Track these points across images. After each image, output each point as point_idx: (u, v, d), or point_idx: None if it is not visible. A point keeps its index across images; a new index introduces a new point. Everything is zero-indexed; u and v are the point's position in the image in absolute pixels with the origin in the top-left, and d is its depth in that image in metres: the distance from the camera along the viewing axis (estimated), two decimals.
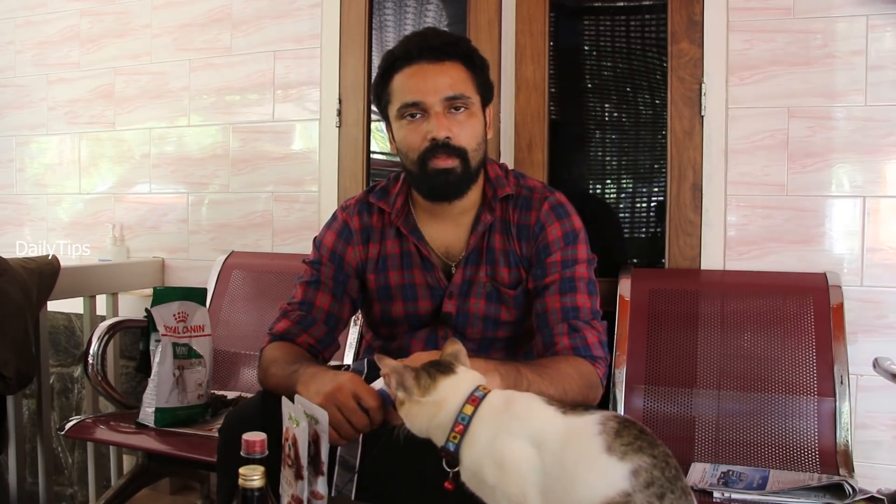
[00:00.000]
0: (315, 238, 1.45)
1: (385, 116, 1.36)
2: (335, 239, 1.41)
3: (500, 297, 1.37)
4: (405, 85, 1.29)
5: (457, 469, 0.90)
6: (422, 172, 1.30)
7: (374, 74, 2.26)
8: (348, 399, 1.06)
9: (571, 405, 0.91)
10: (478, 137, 1.31)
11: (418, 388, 0.92)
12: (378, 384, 1.08)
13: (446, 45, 1.29)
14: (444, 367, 0.95)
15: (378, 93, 1.35)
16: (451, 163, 1.28)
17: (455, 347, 1.00)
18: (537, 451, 0.84)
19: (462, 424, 0.89)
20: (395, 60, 1.30)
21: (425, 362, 0.96)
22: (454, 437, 0.89)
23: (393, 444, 0.99)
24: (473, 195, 1.36)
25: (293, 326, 1.36)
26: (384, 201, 1.40)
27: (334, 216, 1.45)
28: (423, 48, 1.28)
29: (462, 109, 1.29)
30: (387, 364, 0.96)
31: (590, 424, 0.84)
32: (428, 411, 0.92)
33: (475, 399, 0.91)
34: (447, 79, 1.27)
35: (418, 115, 1.28)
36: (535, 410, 0.90)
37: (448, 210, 1.35)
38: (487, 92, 1.35)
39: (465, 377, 0.94)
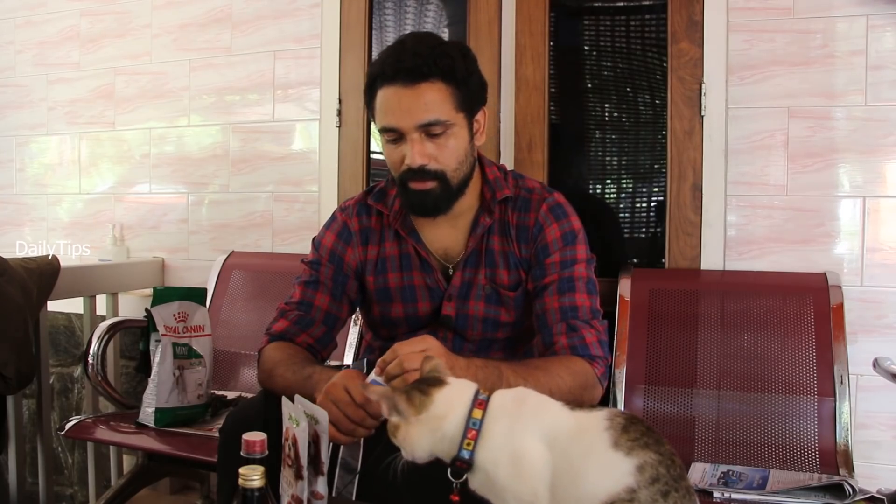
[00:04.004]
0: (314, 238, 1.45)
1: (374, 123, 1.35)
2: (335, 240, 1.41)
3: (500, 299, 1.37)
4: (382, 107, 1.26)
5: (463, 479, 0.88)
6: (403, 191, 1.30)
7: None
8: (342, 393, 1.07)
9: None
10: (459, 156, 1.28)
11: (413, 408, 0.90)
12: (371, 376, 1.09)
13: (421, 67, 1.22)
14: (433, 381, 0.93)
15: (366, 101, 1.32)
16: (428, 185, 1.26)
17: (433, 363, 0.98)
18: (548, 448, 0.84)
19: (475, 429, 0.87)
20: (377, 77, 1.26)
21: (411, 382, 0.95)
22: (468, 444, 0.87)
23: (394, 445, 0.98)
24: (470, 198, 1.36)
25: (292, 326, 1.36)
26: (382, 203, 1.39)
27: (333, 217, 1.45)
28: (397, 70, 1.23)
29: (439, 133, 1.25)
30: (373, 392, 0.94)
31: (597, 420, 0.85)
32: (429, 427, 0.89)
33: (482, 402, 0.90)
34: (422, 104, 1.22)
35: (396, 139, 1.26)
36: (545, 407, 0.90)
37: (444, 214, 1.34)
38: (475, 100, 1.30)
39: (461, 385, 0.93)
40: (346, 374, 1.11)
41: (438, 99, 1.24)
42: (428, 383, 0.93)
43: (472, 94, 1.29)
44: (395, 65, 1.23)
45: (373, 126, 2.32)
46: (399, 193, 1.33)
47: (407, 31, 2.34)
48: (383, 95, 1.26)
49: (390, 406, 0.91)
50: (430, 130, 1.24)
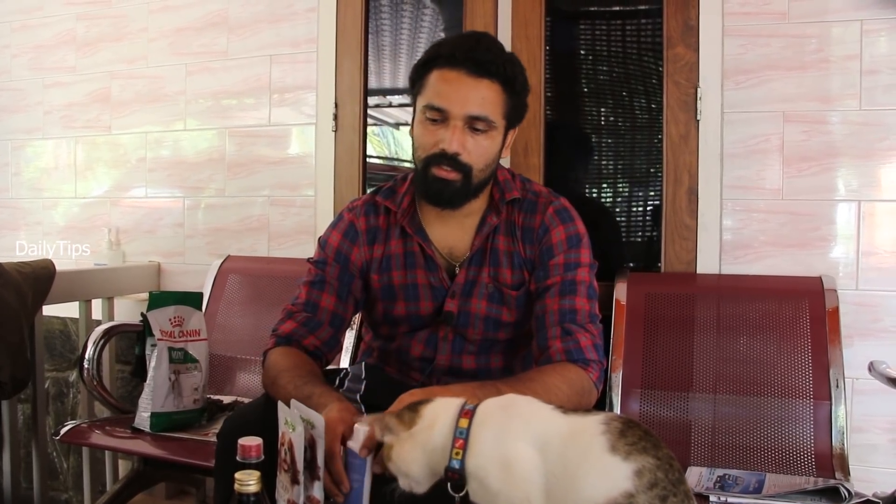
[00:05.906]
0: (319, 238, 1.45)
1: (413, 99, 1.36)
2: (341, 239, 1.42)
3: (502, 298, 1.37)
4: (437, 86, 1.28)
5: (464, 492, 0.88)
6: (423, 173, 1.31)
7: (370, 78, 2.31)
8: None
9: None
10: (488, 158, 1.31)
11: (402, 423, 0.91)
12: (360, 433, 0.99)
13: (491, 64, 1.27)
14: (421, 401, 0.95)
15: (414, 77, 1.35)
16: (452, 175, 1.28)
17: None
18: (540, 453, 0.84)
19: (461, 439, 0.88)
20: (439, 57, 1.29)
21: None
22: (457, 454, 0.88)
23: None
24: (481, 200, 1.38)
25: (299, 328, 1.36)
26: (391, 200, 1.41)
27: (340, 217, 1.46)
28: (468, 58, 1.27)
29: (482, 131, 1.28)
30: (365, 420, 0.96)
31: (593, 424, 0.84)
32: (420, 441, 0.90)
33: (468, 412, 0.90)
34: (478, 97, 1.27)
35: (439, 120, 1.28)
36: (535, 411, 0.90)
37: (454, 212, 1.36)
38: (517, 116, 1.35)
39: (447, 399, 0.94)
40: (333, 431, 1.01)
41: (493, 99, 1.28)
42: (417, 403, 0.95)
43: (518, 108, 1.34)
44: (468, 52, 1.27)
45: (369, 130, 2.33)
46: (417, 178, 1.35)
47: (403, 36, 2.35)
48: (442, 75, 1.28)
49: (382, 427, 0.92)
50: (474, 125, 1.28)
